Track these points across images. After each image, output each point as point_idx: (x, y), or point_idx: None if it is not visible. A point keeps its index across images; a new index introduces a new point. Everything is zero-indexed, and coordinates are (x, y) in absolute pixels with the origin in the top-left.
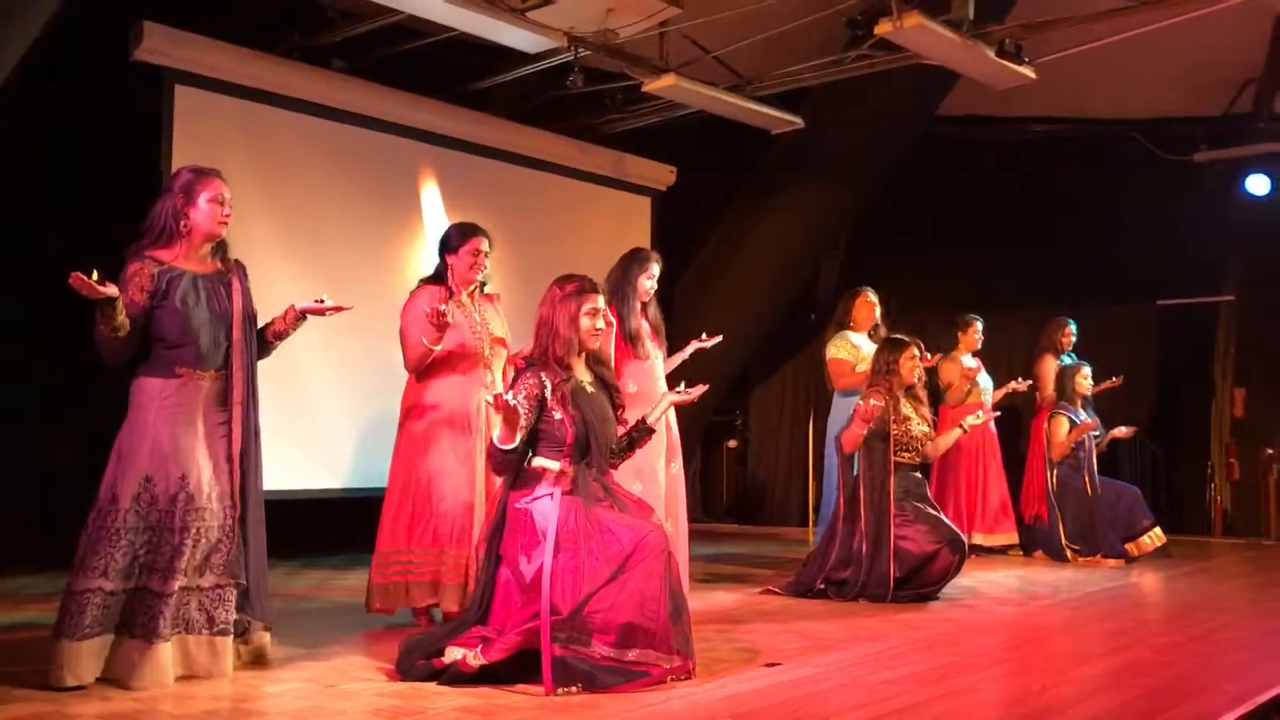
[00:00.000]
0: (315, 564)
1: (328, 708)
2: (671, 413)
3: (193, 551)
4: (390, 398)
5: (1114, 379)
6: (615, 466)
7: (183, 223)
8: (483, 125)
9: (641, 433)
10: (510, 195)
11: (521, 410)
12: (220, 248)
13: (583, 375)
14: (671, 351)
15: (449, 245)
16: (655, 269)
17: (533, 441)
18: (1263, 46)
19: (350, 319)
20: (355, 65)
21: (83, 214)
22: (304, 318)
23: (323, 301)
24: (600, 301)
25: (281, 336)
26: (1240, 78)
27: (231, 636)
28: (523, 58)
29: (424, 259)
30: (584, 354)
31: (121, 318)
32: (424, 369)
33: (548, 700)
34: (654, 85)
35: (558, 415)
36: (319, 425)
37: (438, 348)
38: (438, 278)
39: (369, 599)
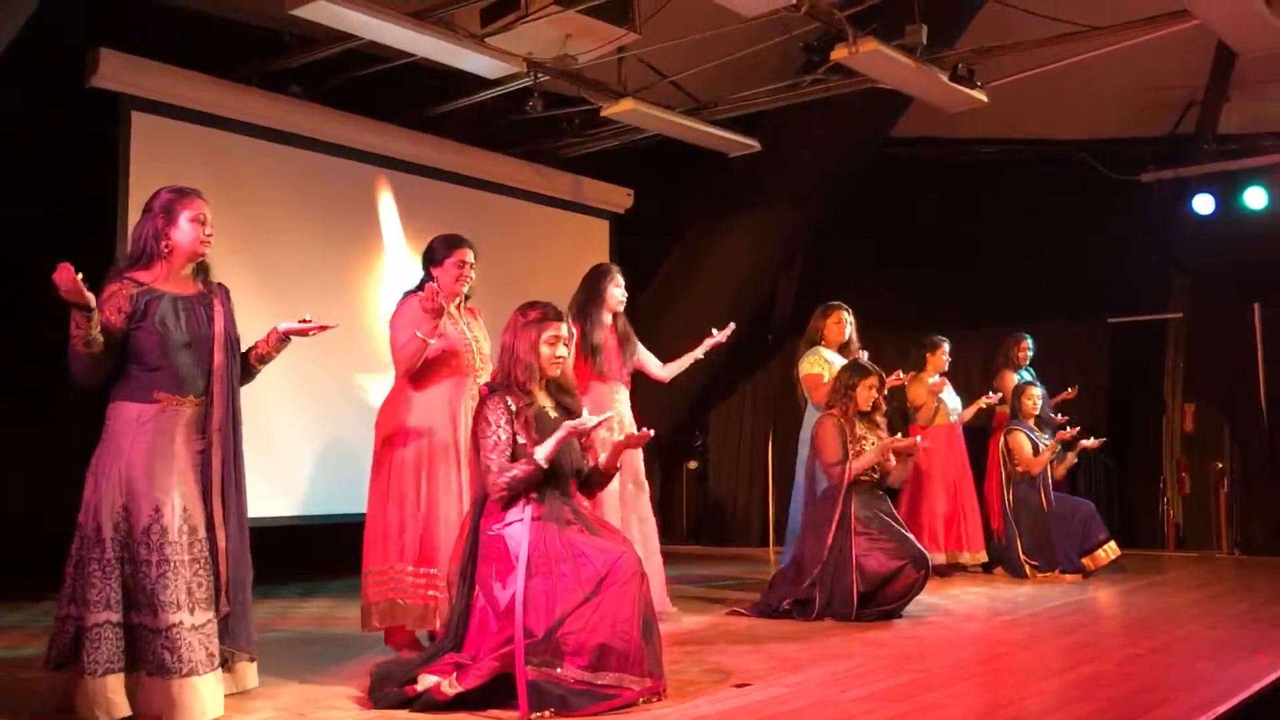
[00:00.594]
0: (275, 593)
1: None
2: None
3: (172, 585)
4: (349, 421)
5: (1069, 389)
6: (591, 497)
7: (164, 243)
8: (441, 149)
9: (602, 479)
10: (469, 219)
11: (504, 435)
12: (202, 269)
13: (544, 401)
14: (673, 357)
15: (434, 257)
16: (620, 279)
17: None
18: (1205, 69)
19: (310, 342)
20: (313, 90)
21: (38, 243)
22: (287, 339)
23: (307, 321)
24: (563, 330)
25: (265, 360)
26: (1184, 100)
27: (219, 671)
28: (481, 82)
29: (384, 282)
30: (546, 381)
31: (95, 332)
32: (413, 378)
33: None
34: (612, 110)
35: (521, 440)
36: (276, 451)
37: (434, 341)
38: (422, 289)
39: (366, 619)
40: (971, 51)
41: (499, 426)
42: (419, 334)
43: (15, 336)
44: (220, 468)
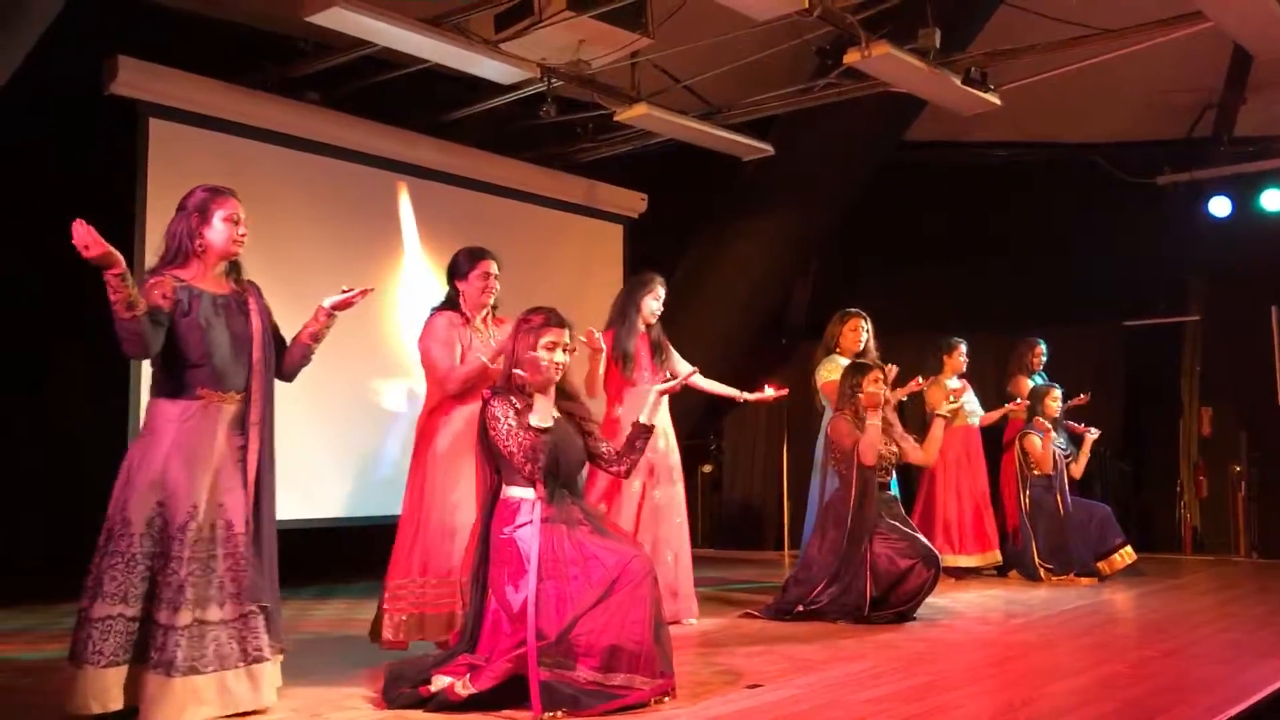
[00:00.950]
0: (295, 595)
1: None
2: (671, 436)
3: (202, 582)
4: (363, 426)
5: (1081, 396)
6: (626, 474)
7: (197, 242)
8: (456, 155)
9: (640, 433)
10: (483, 224)
11: (515, 423)
12: (234, 268)
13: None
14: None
15: (459, 271)
16: (660, 291)
17: (503, 472)
18: (1222, 71)
19: (325, 347)
20: (329, 96)
21: (56, 250)
22: (334, 315)
23: (348, 291)
24: (565, 336)
25: (318, 338)
26: (1201, 102)
27: (267, 663)
28: (495, 88)
29: (401, 287)
30: (546, 388)
31: (134, 291)
32: (455, 393)
33: None
34: (626, 115)
35: (524, 439)
36: (289, 454)
37: (492, 365)
38: (450, 304)
39: (379, 630)
40: (985, 55)
41: (508, 419)
42: (483, 359)
43: (36, 342)
44: (258, 464)
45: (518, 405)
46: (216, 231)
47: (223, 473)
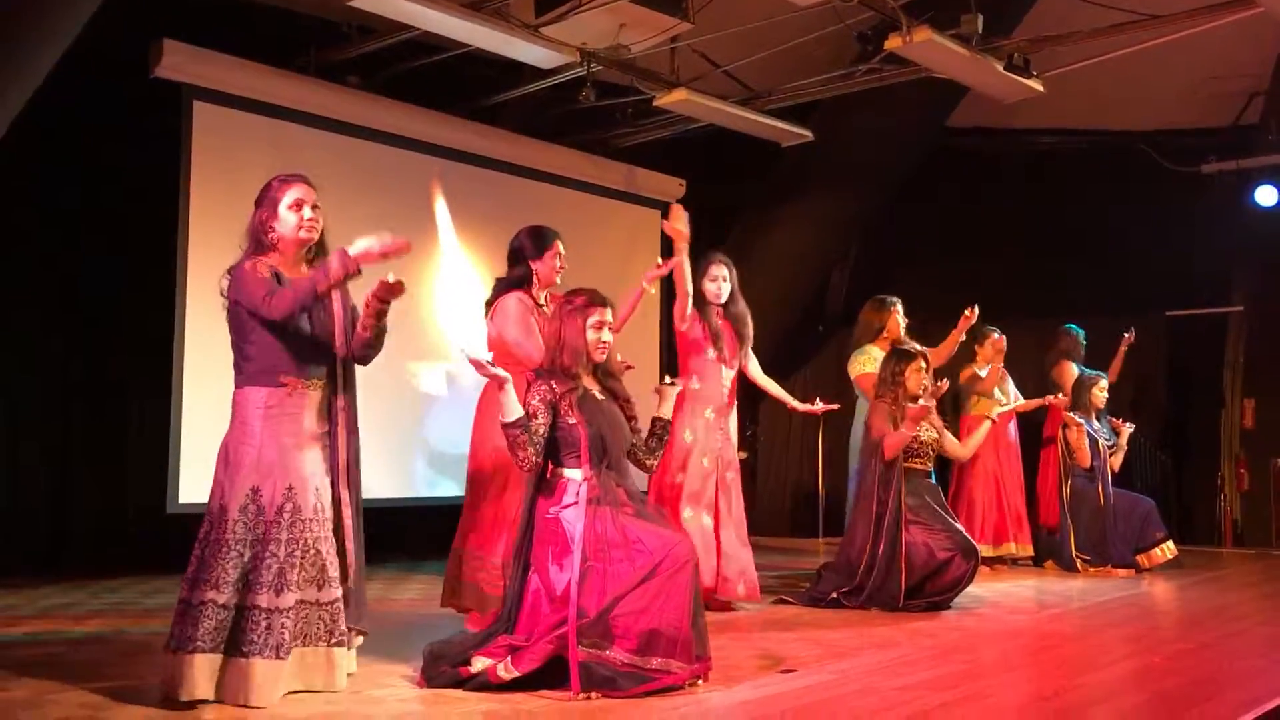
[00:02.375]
0: None
1: (355, 712)
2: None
3: (302, 564)
4: (400, 408)
5: (1126, 334)
6: (652, 469)
7: (271, 235)
8: (496, 139)
9: (663, 429)
10: (522, 208)
11: (540, 414)
12: (319, 251)
13: (590, 385)
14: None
15: (531, 250)
16: (715, 270)
17: (552, 452)
18: (1270, 59)
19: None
20: (370, 81)
21: (101, 232)
22: (385, 302)
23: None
24: (608, 315)
25: (368, 329)
26: (1248, 90)
27: (346, 647)
28: (535, 73)
29: (439, 271)
30: (593, 366)
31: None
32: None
33: (570, 705)
34: (665, 99)
35: (570, 420)
36: None
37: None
38: (518, 283)
39: (454, 596)
40: (1028, 41)
41: (532, 405)
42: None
43: (77, 330)
44: (346, 448)
45: (557, 390)
46: (284, 221)
47: (311, 458)
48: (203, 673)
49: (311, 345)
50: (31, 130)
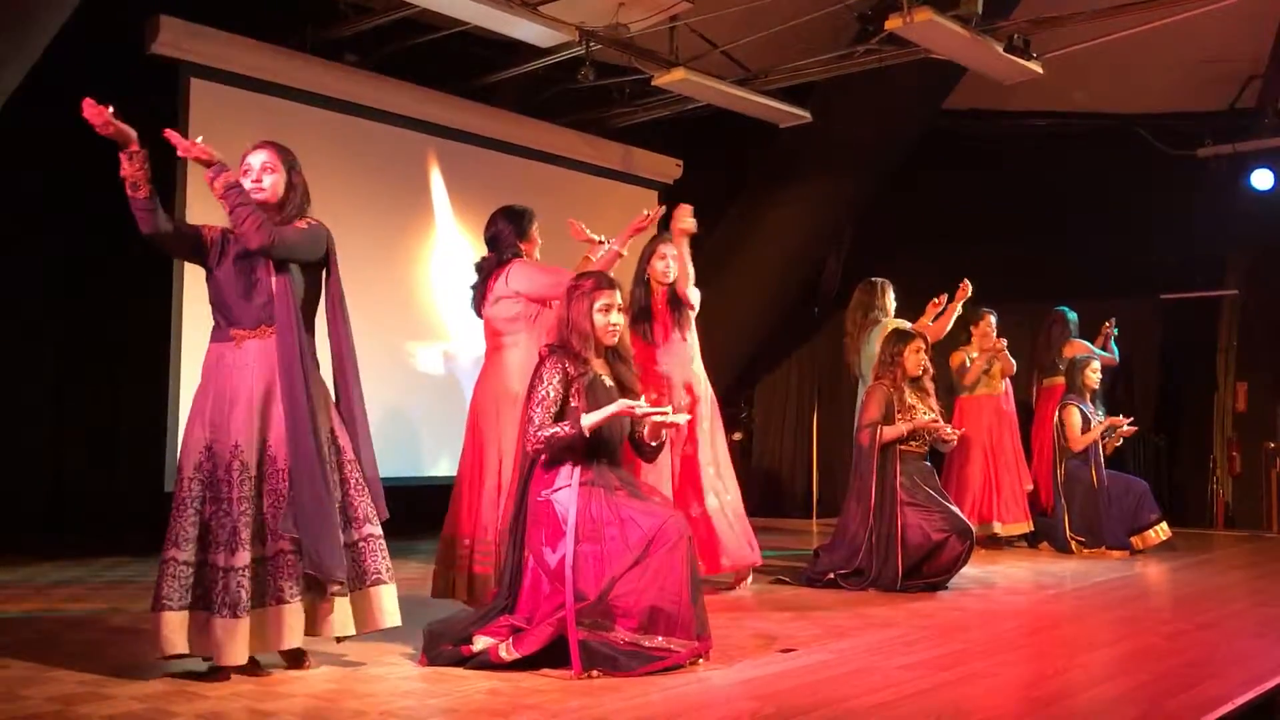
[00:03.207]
0: None
1: (356, 690)
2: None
3: (254, 520)
4: (396, 387)
5: (1107, 324)
6: (651, 458)
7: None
8: (492, 119)
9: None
10: (519, 188)
11: (553, 393)
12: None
13: (600, 371)
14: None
15: (521, 232)
16: (664, 249)
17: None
18: (1267, 42)
19: (359, 310)
20: (367, 58)
21: (95, 210)
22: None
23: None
24: (616, 297)
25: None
26: (1244, 73)
27: (298, 604)
28: (533, 52)
29: (435, 249)
30: (603, 351)
31: (137, 172)
32: (507, 349)
33: (571, 684)
34: (664, 79)
35: (574, 404)
36: None
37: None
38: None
39: (445, 586)
40: (1028, 22)
41: (550, 384)
42: (613, 244)
43: (76, 300)
44: (290, 399)
45: (570, 371)
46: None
47: (264, 410)
48: (173, 629)
49: (252, 295)
50: (27, 109)
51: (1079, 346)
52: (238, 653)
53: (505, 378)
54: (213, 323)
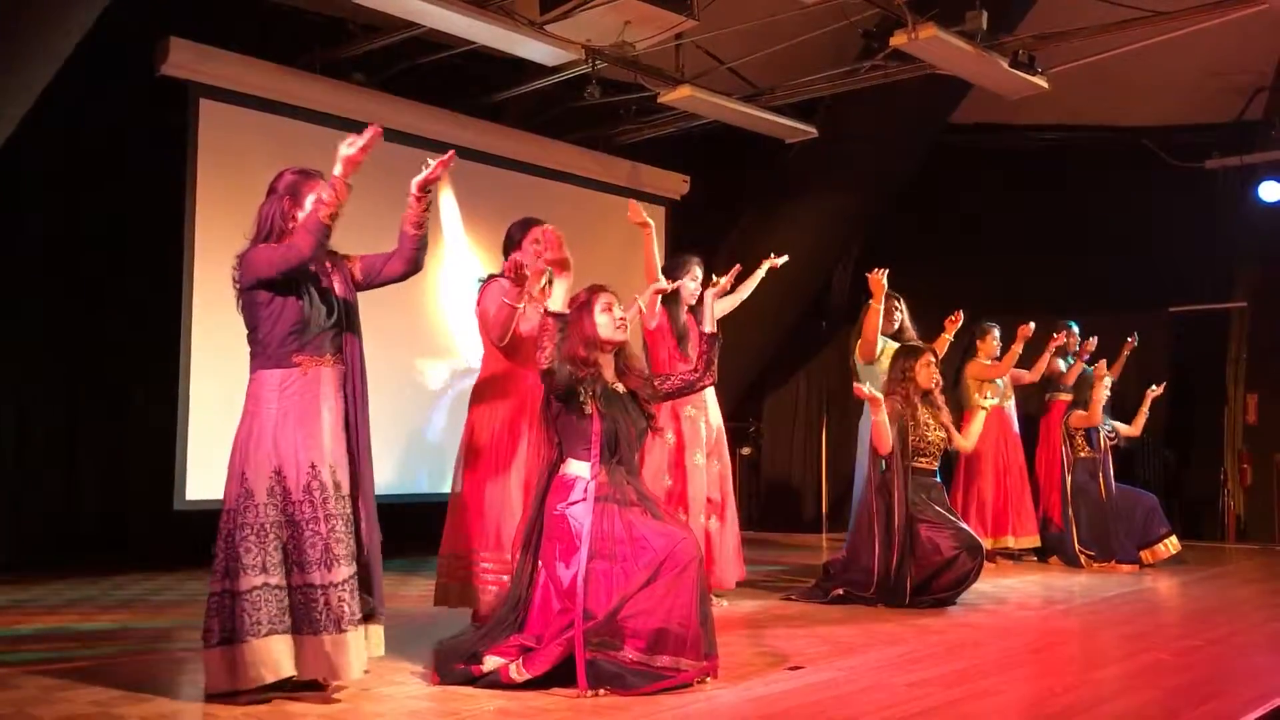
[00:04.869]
0: None
1: (364, 710)
2: (716, 409)
3: (339, 540)
4: (405, 405)
5: (1130, 339)
6: (710, 382)
7: (290, 224)
8: (500, 136)
9: (711, 343)
10: (526, 205)
11: (549, 342)
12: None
13: (609, 376)
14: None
15: (512, 241)
16: (697, 271)
17: (564, 441)
18: (1273, 54)
19: (369, 328)
20: (375, 78)
21: (108, 230)
22: (426, 194)
23: (428, 165)
24: (614, 298)
25: (420, 224)
26: (1251, 85)
27: (360, 630)
28: (540, 70)
29: (444, 268)
30: (613, 359)
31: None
32: (505, 356)
33: (579, 702)
34: (670, 96)
35: (587, 410)
36: None
37: (520, 305)
38: (502, 274)
39: (445, 597)
40: (1032, 37)
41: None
42: (505, 300)
43: (85, 320)
44: (359, 427)
45: (580, 374)
46: (307, 213)
47: (332, 435)
48: (284, 651)
49: (324, 326)
50: (38, 129)
51: (1054, 365)
52: (353, 666)
53: (500, 395)
54: (260, 348)
